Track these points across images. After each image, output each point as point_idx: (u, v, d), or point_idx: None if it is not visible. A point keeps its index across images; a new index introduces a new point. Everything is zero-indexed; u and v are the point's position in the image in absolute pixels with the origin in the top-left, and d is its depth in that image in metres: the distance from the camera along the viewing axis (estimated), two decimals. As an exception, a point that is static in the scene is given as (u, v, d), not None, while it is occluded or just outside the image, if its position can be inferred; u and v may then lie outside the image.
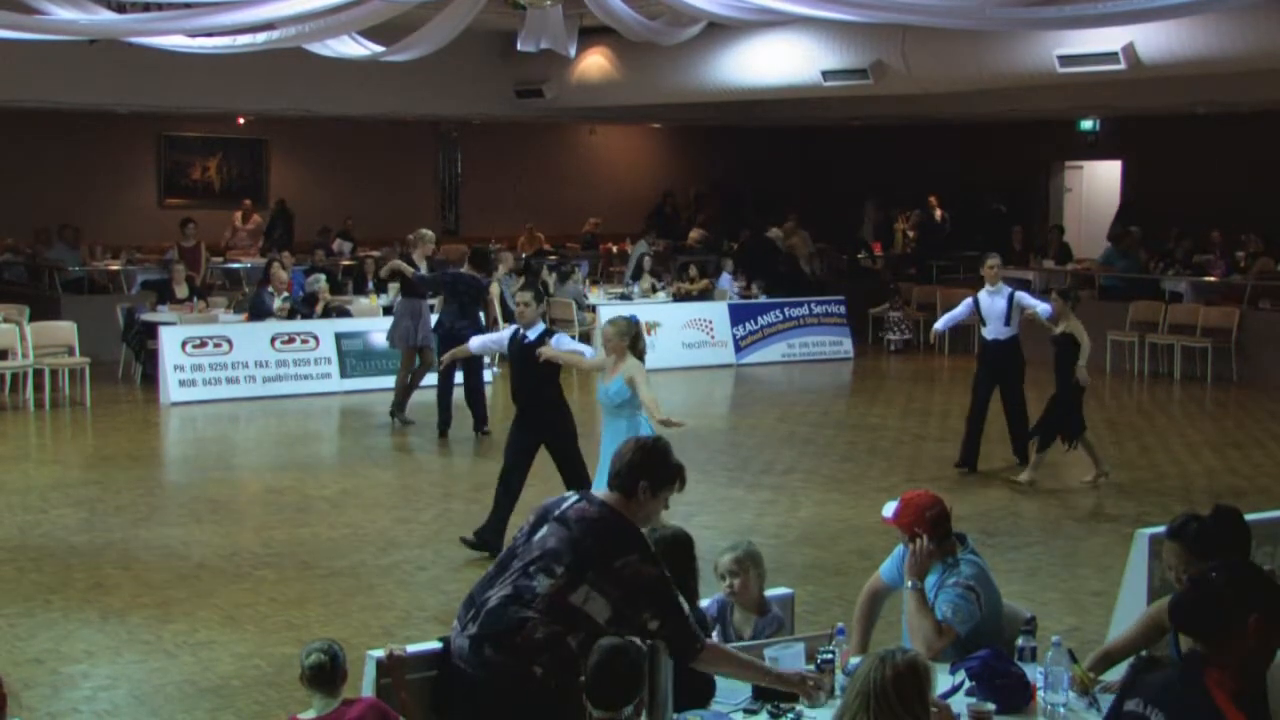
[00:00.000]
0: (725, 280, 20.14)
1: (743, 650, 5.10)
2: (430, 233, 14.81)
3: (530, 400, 9.40)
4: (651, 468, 4.64)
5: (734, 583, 5.43)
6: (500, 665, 4.45)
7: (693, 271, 21.21)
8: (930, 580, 5.22)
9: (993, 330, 12.00)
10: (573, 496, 4.71)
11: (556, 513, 4.63)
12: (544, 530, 4.61)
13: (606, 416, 8.80)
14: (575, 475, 9.14)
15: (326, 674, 4.93)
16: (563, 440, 9.34)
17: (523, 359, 9.33)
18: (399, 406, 14.32)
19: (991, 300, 11.97)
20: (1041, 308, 11.84)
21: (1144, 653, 4.77)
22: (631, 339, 8.67)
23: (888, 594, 5.64)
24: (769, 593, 5.86)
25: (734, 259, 21.09)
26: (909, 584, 5.17)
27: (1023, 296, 12.13)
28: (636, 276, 20.59)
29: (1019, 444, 12.02)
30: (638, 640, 4.24)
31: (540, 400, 9.36)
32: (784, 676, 4.65)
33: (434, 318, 14.31)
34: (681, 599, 4.55)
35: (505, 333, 9.96)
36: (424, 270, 14.22)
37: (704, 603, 5.36)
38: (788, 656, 4.83)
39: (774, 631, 5.41)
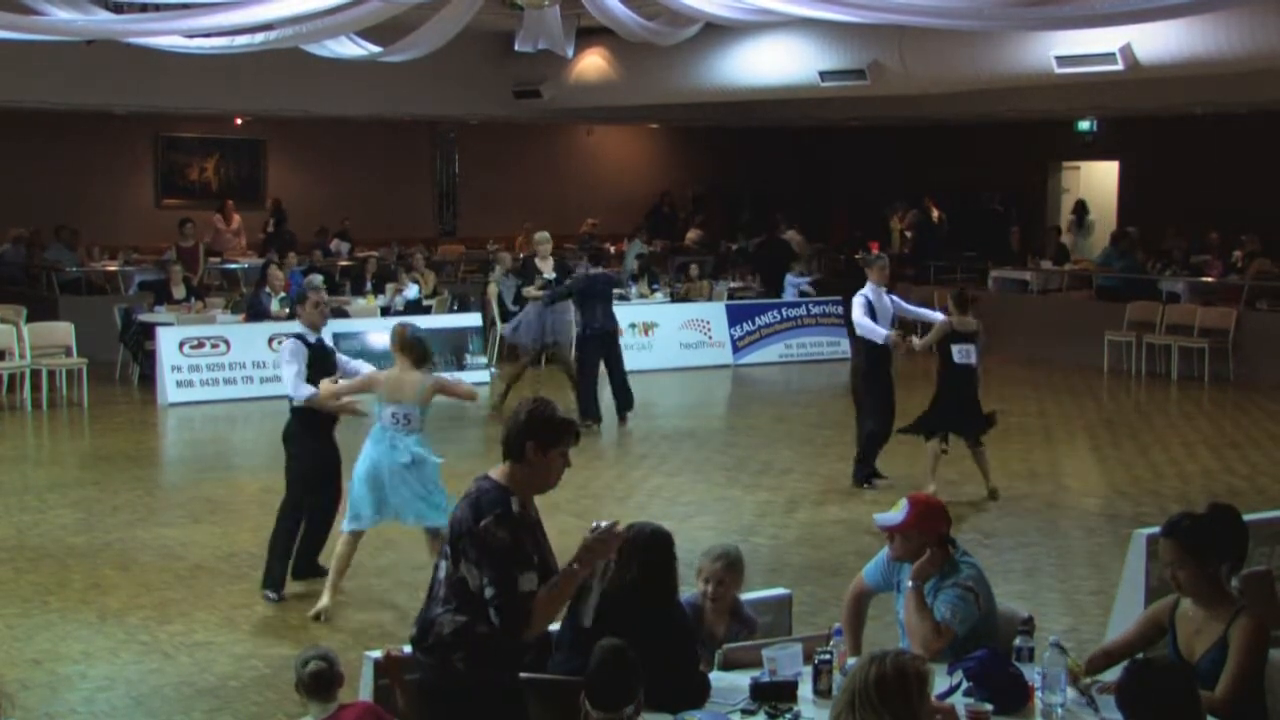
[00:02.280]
0: (791, 282, 19.93)
1: (742, 650, 5.11)
2: (546, 234, 15.23)
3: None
4: (535, 427, 4.59)
5: (716, 588, 5.37)
6: (429, 667, 4.59)
7: (692, 271, 21.22)
8: (928, 582, 5.21)
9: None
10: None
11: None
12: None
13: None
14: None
15: (325, 681, 4.94)
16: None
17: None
18: (503, 398, 14.82)
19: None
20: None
21: (1140, 655, 4.78)
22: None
23: (871, 597, 5.64)
24: (766, 593, 5.89)
25: (749, 260, 21.12)
26: (909, 584, 5.16)
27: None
28: (636, 278, 20.62)
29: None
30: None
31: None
32: (579, 554, 4.54)
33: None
34: (522, 575, 4.47)
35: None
36: (549, 272, 14.65)
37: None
38: (785, 657, 4.83)
39: (747, 634, 5.39)
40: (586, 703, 4.03)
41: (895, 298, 11.66)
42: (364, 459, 8.16)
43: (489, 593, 4.45)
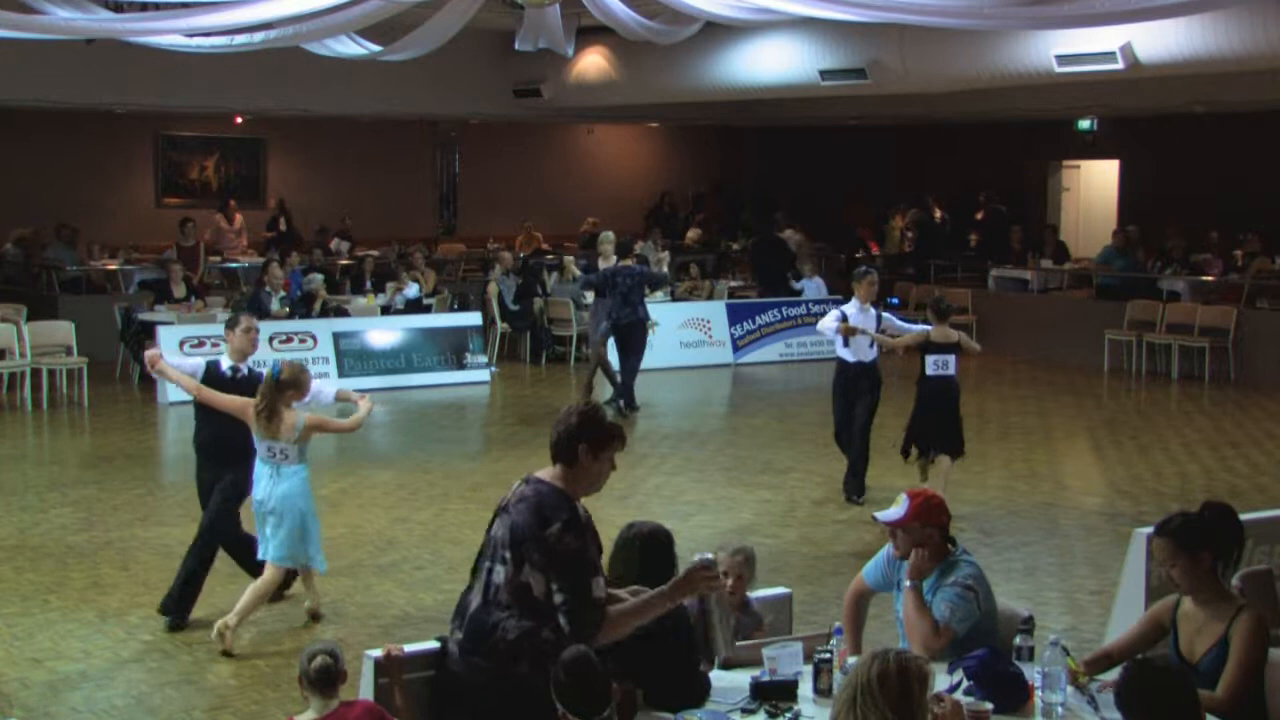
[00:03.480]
0: (811, 287, 19.88)
1: (743, 649, 5.11)
2: (610, 234, 15.74)
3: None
4: (589, 429, 4.66)
5: (735, 582, 5.48)
6: (489, 670, 4.55)
7: (693, 271, 21.21)
8: (927, 581, 5.22)
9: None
10: (517, 483, 4.77)
11: (503, 504, 4.76)
12: (495, 525, 4.76)
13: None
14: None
15: (329, 676, 4.94)
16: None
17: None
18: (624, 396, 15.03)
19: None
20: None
21: (1139, 656, 4.78)
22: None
23: (871, 596, 5.64)
24: (766, 592, 5.90)
25: (746, 259, 21.17)
26: (907, 583, 5.16)
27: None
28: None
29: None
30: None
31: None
32: (677, 585, 4.63)
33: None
34: (594, 581, 4.53)
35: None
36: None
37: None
38: (785, 656, 4.83)
39: (754, 629, 5.49)
40: (562, 708, 4.06)
41: (888, 315, 11.25)
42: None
43: (560, 598, 4.48)
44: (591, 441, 4.65)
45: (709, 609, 4.97)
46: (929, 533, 5.18)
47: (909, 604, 5.13)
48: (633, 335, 14.82)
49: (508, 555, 4.59)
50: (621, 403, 14.79)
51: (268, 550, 7.79)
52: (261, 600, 7.78)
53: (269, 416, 7.59)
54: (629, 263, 14.90)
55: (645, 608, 4.62)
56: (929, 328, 10.88)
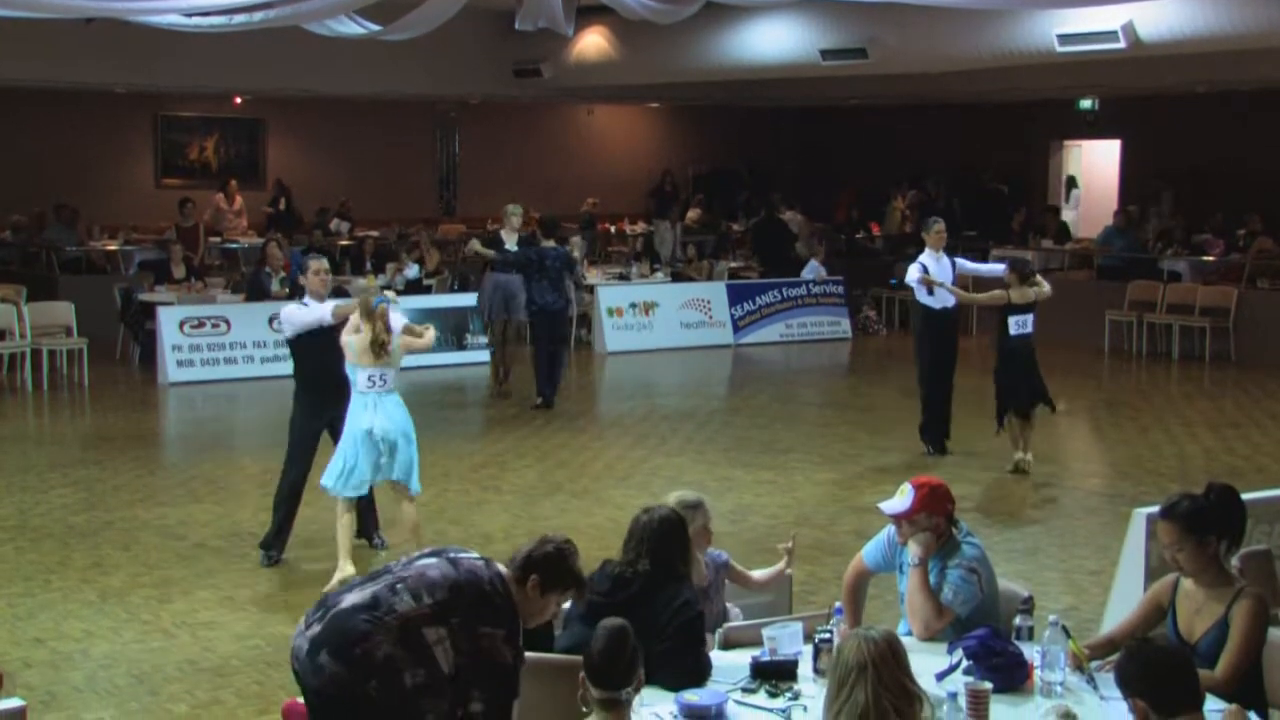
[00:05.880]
0: (811, 267, 19.87)
1: (743, 629, 5.13)
2: (518, 207, 14.89)
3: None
4: (547, 567, 4.46)
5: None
6: (334, 677, 4.25)
7: (690, 252, 21.19)
8: (931, 562, 5.22)
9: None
10: (474, 554, 4.56)
11: (451, 554, 4.51)
12: (430, 560, 4.47)
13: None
14: None
15: None
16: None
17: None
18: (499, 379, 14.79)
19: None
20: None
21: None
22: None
23: (870, 577, 5.65)
24: (766, 571, 5.96)
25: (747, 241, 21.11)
26: (913, 561, 5.16)
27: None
28: (673, 257, 20.75)
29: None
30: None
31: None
32: None
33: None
34: (511, 702, 4.35)
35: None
36: (512, 247, 14.34)
37: (714, 554, 5.68)
38: (785, 636, 4.84)
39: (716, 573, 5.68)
40: (587, 680, 4.04)
41: (959, 259, 12.03)
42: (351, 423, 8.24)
43: (476, 707, 4.25)
44: (544, 578, 4.44)
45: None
46: (935, 522, 5.19)
47: (914, 586, 5.13)
48: (558, 324, 14.16)
49: (427, 600, 4.29)
50: (540, 399, 13.89)
51: (389, 473, 8.20)
52: (419, 530, 8.32)
53: (383, 346, 8.06)
54: (552, 243, 14.07)
55: None
56: (998, 268, 11.79)
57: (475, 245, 14.76)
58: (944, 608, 5.08)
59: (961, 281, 11.88)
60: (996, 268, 12.13)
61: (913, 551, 5.18)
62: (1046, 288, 11.52)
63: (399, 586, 4.33)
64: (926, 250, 11.69)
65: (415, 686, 4.20)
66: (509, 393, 14.60)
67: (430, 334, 8.64)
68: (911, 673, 3.86)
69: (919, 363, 11.99)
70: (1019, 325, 11.21)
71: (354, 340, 8.14)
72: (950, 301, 11.62)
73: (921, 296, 11.68)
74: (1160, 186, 20.83)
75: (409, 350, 8.43)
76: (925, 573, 5.14)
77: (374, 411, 8.14)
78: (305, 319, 8.56)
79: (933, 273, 11.50)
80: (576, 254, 18.85)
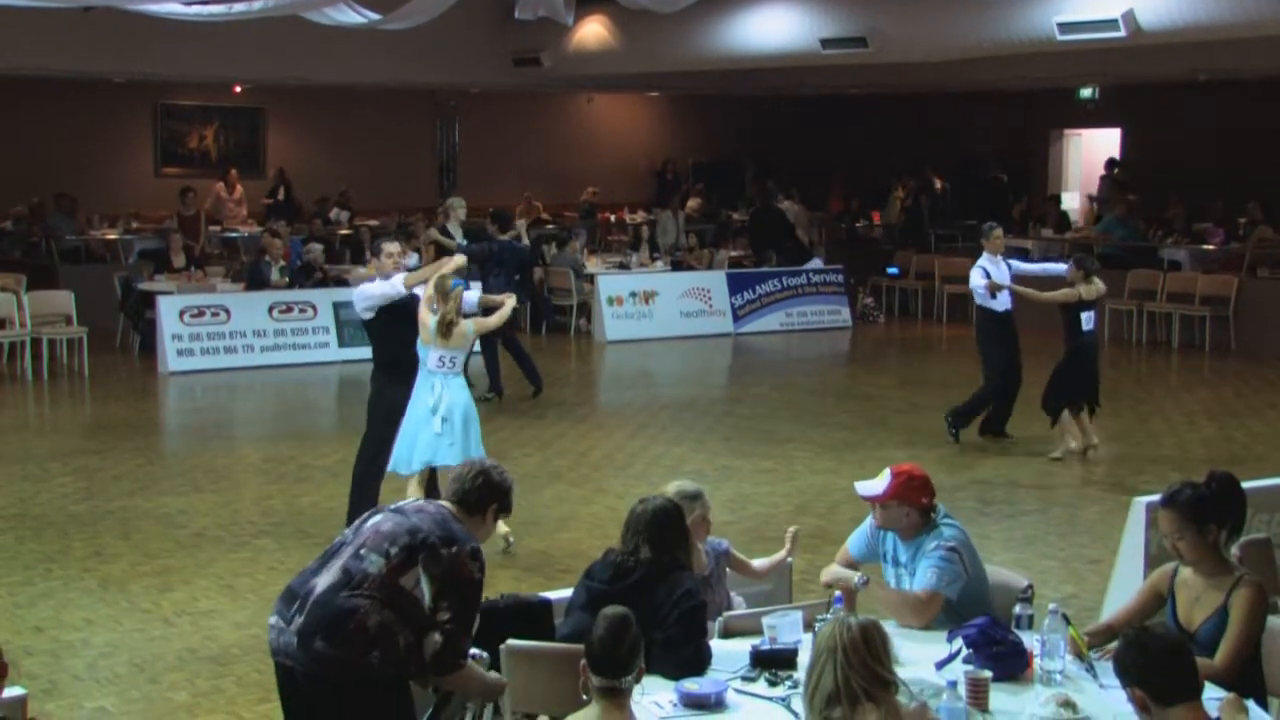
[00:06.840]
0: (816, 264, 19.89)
1: (742, 618, 5.13)
2: (461, 200, 14.88)
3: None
4: (501, 493, 4.80)
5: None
6: (333, 659, 4.37)
7: (691, 241, 21.18)
8: (909, 551, 5.25)
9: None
10: (414, 499, 4.86)
11: (392, 507, 4.73)
12: (377, 518, 4.66)
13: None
14: None
15: None
16: None
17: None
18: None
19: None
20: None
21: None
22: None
23: (857, 568, 5.66)
24: (766, 560, 5.96)
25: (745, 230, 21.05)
26: (857, 581, 5.25)
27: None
28: (675, 246, 20.70)
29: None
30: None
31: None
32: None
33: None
34: (475, 615, 4.57)
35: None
36: (459, 238, 14.21)
37: (714, 542, 5.65)
38: (785, 624, 4.85)
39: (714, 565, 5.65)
40: (588, 668, 4.04)
41: (1015, 261, 12.16)
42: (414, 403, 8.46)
43: (445, 617, 4.45)
44: (502, 505, 4.81)
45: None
46: (905, 511, 5.20)
47: (880, 597, 5.21)
48: (514, 319, 13.85)
49: (392, 550, 4.47)
50: (493, 393, 13.76)
51: (454, 454, 8.24)
52: None
53: (450, 327, 8.33)
54: (506, 238, 13.95)
55: (484, 680, 4.65)
56: (1057, 267, 11.95)
57: (434, 234, 14.65)
58: (930, 593, 5.07)
59: (1022, 282, 11.93)
60: (1052, 267, 12.31)
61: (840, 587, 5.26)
62: (1102, 284, 11.67)
63: (362, 551, 4.51)
64: (985, 255, 11.79)
65: (407, 646, 4.43)
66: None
67: (511, 301, 8.95)
68: (886, 660, 3.91)
69: (990, 363, 12.00)
70: (1089, 321, 11.38)
71: (432, 319, 8.40)
72: (1011, 305, 11.76)
73: (985, 300, 11.80)
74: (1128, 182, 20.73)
75: (481, 331, 8.76)
76: (878, 584, 5.24)
77: (439, 391, 8.38)
78: (382, 290, 8.69)
79: (994, 277, 11.67)
80: (577, 244, 18.84)
